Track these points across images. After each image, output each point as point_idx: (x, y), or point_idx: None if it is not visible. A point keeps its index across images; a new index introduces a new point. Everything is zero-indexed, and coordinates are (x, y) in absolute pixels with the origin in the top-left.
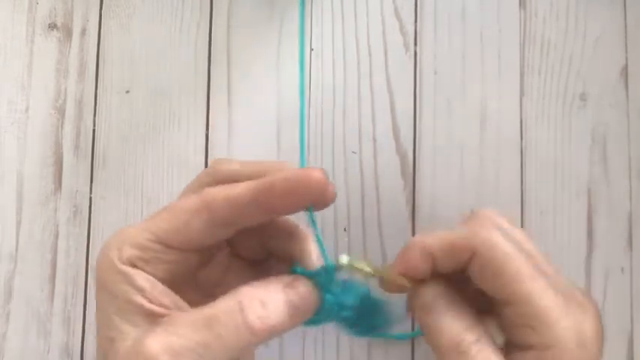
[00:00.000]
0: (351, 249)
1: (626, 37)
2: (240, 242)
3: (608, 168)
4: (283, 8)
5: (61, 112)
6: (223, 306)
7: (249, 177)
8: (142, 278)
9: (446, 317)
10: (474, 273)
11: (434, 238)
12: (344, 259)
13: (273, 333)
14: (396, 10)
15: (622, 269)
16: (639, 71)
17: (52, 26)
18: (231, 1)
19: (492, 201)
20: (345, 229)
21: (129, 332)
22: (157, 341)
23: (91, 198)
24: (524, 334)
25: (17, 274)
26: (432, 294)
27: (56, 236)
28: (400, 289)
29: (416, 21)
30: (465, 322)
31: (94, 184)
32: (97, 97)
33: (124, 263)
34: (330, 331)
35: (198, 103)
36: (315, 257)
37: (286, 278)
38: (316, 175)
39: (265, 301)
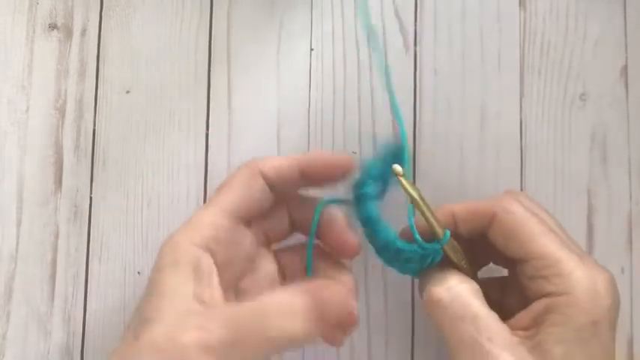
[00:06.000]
0: None
1: (626, 37)
2: (271, 220)
3: (608, 168)
4: (283, 8)
5: (61, 112)
6: (249, 312)
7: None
8: (205, 264)
9: (430, 284)
10: (494, 235)
11: (460, 204)
12: (399, 169)
13: (294, 342)
14: (396, 10)
15: (622, 269)
16: (639, 71)
17: (53, 26)
18: (231, 1)
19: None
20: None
21: (168, 317)
22: (190, 334)
23: (91, 198)
24: (539, 286)
25: (17, 274)
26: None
27: (56, 236)
28: (428, 234)
29: (416, 21)
30: (446, 283)
31: (94, 184)
32: (97, 97)
33: (196, 244)
34: None
35: (198, 103)
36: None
37: (311, 285)
38: (348, 159)
39: (285, 310)
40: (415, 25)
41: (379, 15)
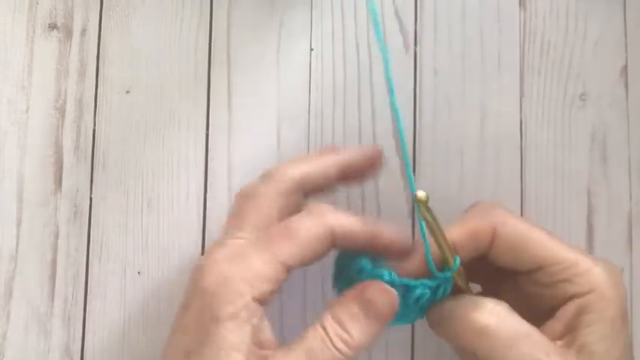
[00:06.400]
0: None
1: (626, 37)
2: None
3: (608, 168)
4: (283, 8)
5: (61, 112)
6: (313, 338)
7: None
8: (264, 329)
9: (460, 312)
10: (498, 252)
11: (455, 229)
12: (422, 194)
13: (361, 348)
14: (396, 10)
15: (622, 269)
16: (639, 71)
17: (52, 26)
18: (231, 1)
19: (492, 201)
20: None
21: None
22: None
23: (91, 198)
24: (562, 290)
25: (17, 274)
26: (447, 307)
27: (56, 236)
28: (441, 265)
29: (416, 21)
30: (480, 307)
31: (94, 184)
32: (97, 97)
33: (256, 299)
34: None
35: (199, 103)
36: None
37: (361, 292)
38: (379, 152)
39: (345, 323)
40: (415, 25)
41: (379, 15)
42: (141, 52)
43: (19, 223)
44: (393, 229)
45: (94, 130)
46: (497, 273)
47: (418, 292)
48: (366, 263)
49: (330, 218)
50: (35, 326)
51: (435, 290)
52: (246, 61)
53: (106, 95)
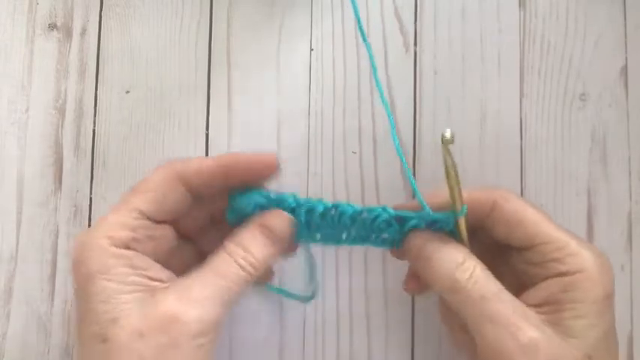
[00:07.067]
0: (351, 251)
1: (626, 37)
2: (190, 217)
3: (608, 168)
4: (283, 8)
5: (61, 112)
6: (218, 260)
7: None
8: (140, 258)
9: (437, 261)
10: (494, 224)
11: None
12: (449, 133)
13: (263, 267)
14: (396, 10)
15: (622, 268)
16: (639, 71)
17: (52, 26)
18: (231, 1)
19: None
20: None
21: (133, 308)
22: (174, 300)
23: (91, 198)
24: (551, 269)
25: (17, 274)
26: (421, 239)
27: (56, 236)
28: (448, 207)
29: (416, 21)
30: (455, 262)
31: (94, 184)
32: (97, 97)
33: (118, 247)
34: (330, 331)
35: (198, 103)
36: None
37: (257, 219)
38: (273, 159)
39: (245, 244)
40: (415, 25)
41: (379, 15)
42: (141, 52)
43: (19, 224)
44: (246, 154)
45: (94, 130)
46: (491, 250)
47: (413, 222)
48: (259, 197)
49: (176, 164)
50: (35, 326)
51: (430, 225)
52: (246, 61)
53: (106, 95)
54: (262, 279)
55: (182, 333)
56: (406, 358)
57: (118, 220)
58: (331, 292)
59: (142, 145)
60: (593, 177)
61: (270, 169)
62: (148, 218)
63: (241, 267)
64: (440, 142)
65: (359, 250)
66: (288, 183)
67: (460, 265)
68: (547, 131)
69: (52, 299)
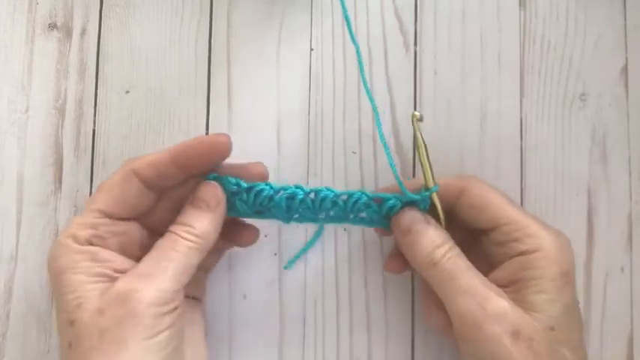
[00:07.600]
0: (351, 248)
1: (626, 37)
2: (155, 212)
3: (608, 168)
4: (283, 8)
5: (61, 112)
6: (163, 239)
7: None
8: (103, 252)
9: (420, 237)
10: (462, 207)
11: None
12: (418, 115)
13: (207, 235)
14: (396, 10)
15: (622, 269)
16: (639, 71)
17: (52, 26)
18: (231, 1)
19: None
20: (345, 229)
21: (96, 293)
22: (128, 277)
23: None
24: (511, 248)
25: (17, 274)
26: (410, 217)
27: (56, 236)
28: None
29: (416, 21)
30: (433, 243)
31: (94, 184)
32: (97, 97)
33: (82, 244)
34: (330, 331)
35: (198, 103)
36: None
37: (191, 195)
38: (223, 138)
39: (184, 220)
40: (415, 25)
41: (379, 15)
42: (141, 52)
43: (19, 224)
44: (195, 139)
45: (93, 130)
46: (465, 237)
47: (390, 202)
48: (229, 185)
49: (132, 161)
50: (35, 326)
51: (406, 206)
52: (246, 60)
53: (106, 95)
54: (225, 245)
55: (139, 302)
56: (406, 353)
57: (81, 221)
58: (331, 287)
59: (141, 145)
60: (593, 177)
61: (220, 151)
62: (109, 216)
63: (185, 239)
64: (411, 121)
65: (359, 245)
66: (289, 183)
67: (438, 246)
68: (547, 131)
69: (52, 299)
